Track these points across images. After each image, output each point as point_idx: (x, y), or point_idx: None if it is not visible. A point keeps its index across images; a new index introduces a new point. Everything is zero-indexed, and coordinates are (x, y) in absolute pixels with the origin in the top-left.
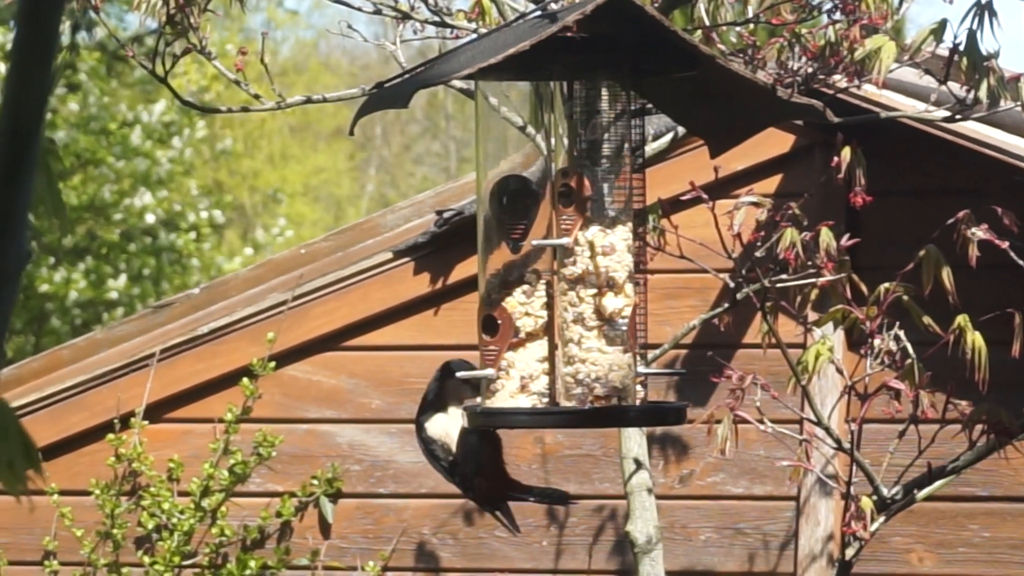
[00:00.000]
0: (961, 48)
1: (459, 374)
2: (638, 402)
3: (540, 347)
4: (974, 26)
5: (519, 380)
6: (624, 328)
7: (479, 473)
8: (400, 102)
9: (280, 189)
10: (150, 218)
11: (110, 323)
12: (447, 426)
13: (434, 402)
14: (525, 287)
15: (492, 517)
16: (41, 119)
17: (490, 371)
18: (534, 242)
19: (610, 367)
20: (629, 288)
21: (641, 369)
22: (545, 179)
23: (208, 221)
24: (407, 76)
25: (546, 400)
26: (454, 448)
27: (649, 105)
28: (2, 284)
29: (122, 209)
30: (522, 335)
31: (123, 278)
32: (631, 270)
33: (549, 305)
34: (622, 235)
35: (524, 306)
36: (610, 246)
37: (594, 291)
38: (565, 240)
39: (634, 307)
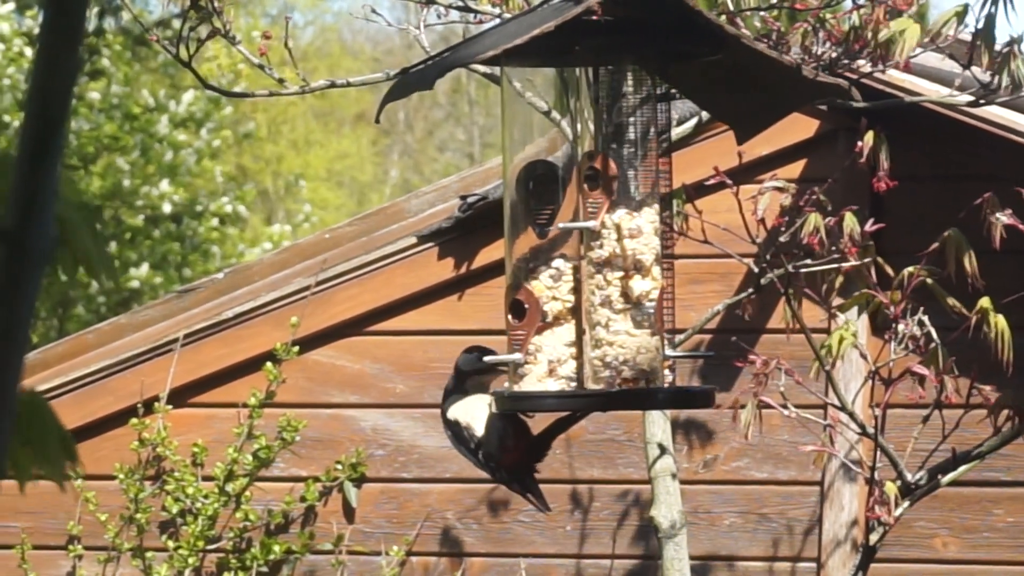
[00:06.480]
0: (982, 32)
1: (487, 358)
2: (666, 385)
3: (568, 331)
4: (992, 10)
5: (547, 364)
6: (651, 311)
7: (503, 451)
8: (424, 85)
9: (302, 175)
10: (167, 207)
11: (135, 308)
12: (469, 408)
13: (453, 388)
14: (552, 271)
15: (514, 499)
16: (68, 103)
17: (518, 355)
18: (560, 225)
19: (638, 350)
20: (656, 271)
21: (669, 352)
22: (571, 164)
23: (233, 214)
24: (432, 60)
25: (574, 384)
26: (477, 430)
27: (675, 90)
28: (29, 268)
29: (142, 196)
30: (549, 319)
31: (145, 267)
32: (658, 253)
33: (576, 289)
34: (649, 218)
35: (551, 290)
36: (637, 229)
37: (621, 274)
38: (592, 223)
39: (661, 290)
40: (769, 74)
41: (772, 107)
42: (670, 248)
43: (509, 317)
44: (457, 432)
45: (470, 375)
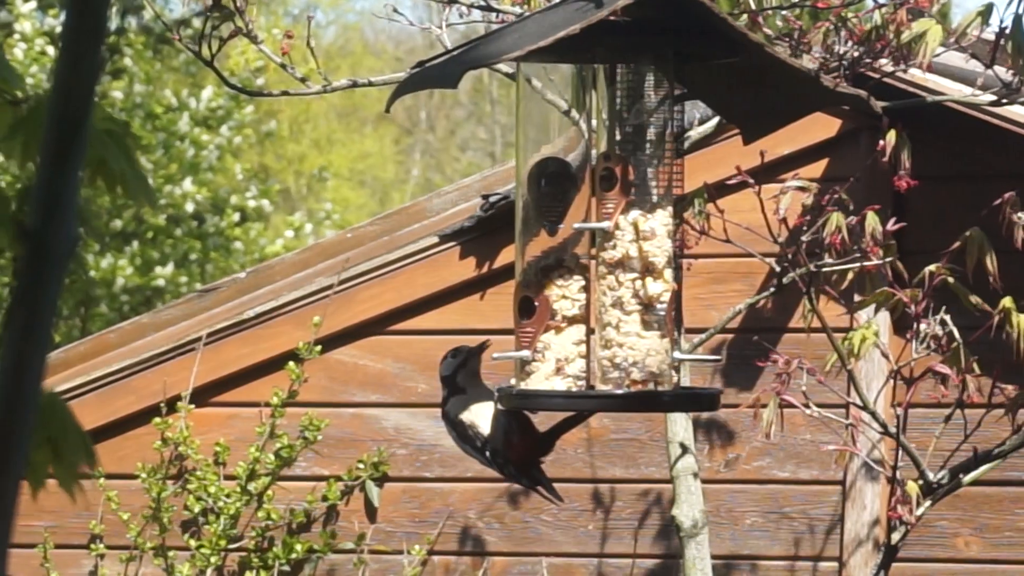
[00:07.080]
0: (1007, 32)
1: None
2: (673, 387)
3: (577, 330)
4: (1020, 9)
5: (554, 363)
6: (662, 313)
7: (509, 447)
8: (449, 83)
9: (325, 169)
10: (190, 207)
11: (157, 307)
12: (472, 407)
13: (449, 394)
14: (563, 270)
15: (536, 498)
16: (90, 103)
17: (525, 353)
18: (575, 225)
19: (647, 352)
20: (668, 273)
21: (677, 355)
22: (585, 164)
23: (256, 210)
24: (449, 55)
25: (581, 383)
26: (482, 428)
27: (685, 90)
28: (51, 267)
29: (165, 195)
30: (559, 318)
31: (170, 266)
32: (670, 255)
33: (587, 289)
34: (662, 220)
35: (562, 289)
36: (651, 231)
37: (633, 275)
38: (606, 224)
39: (673, 293)
40: (787, 79)
41: (787, 109)
42: (684, 250)
43: (518, 315)
44: (462, 432)
45: (455, 375)
